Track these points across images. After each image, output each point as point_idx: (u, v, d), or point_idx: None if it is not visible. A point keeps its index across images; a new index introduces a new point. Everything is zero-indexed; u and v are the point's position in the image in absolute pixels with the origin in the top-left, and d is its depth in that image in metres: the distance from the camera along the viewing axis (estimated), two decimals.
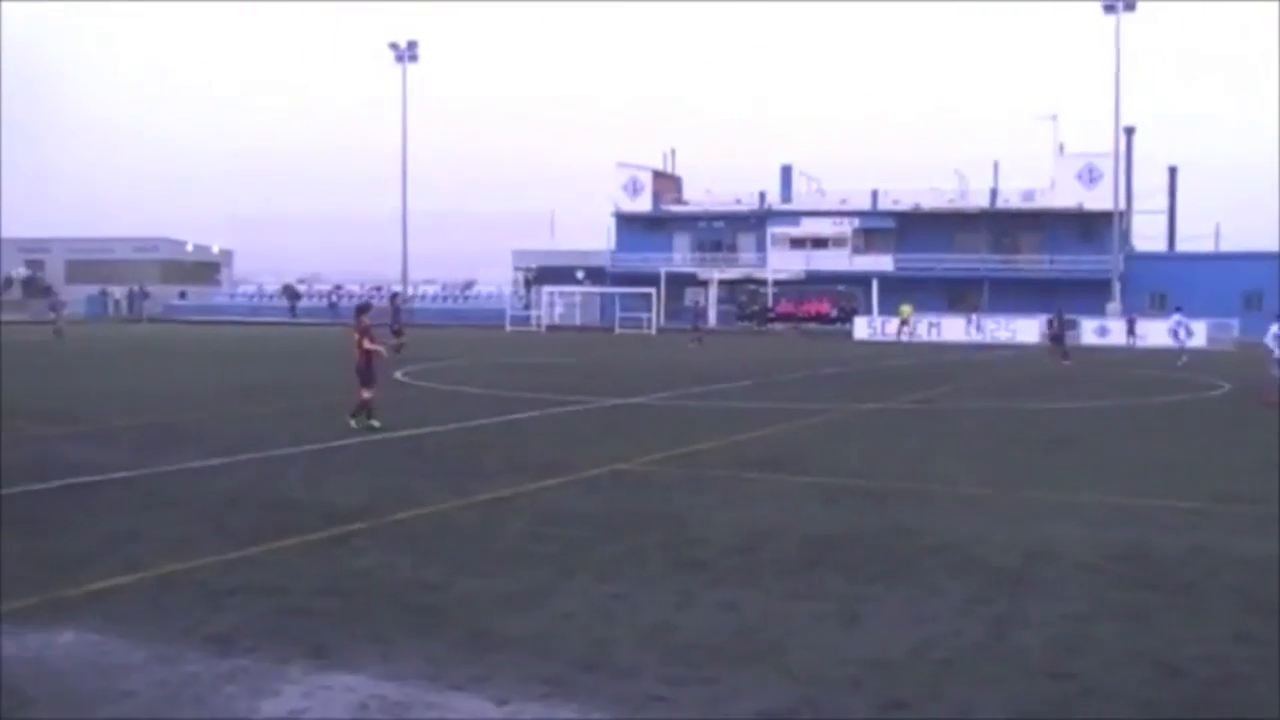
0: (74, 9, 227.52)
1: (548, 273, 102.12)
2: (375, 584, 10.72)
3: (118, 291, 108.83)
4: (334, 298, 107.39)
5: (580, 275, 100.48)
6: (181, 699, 7.65)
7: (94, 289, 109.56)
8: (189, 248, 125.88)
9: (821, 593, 10.54)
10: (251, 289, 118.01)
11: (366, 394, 22.34)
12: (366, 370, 22.52)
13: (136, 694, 7.73)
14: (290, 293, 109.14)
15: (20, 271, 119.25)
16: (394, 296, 48.92)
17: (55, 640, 8.87)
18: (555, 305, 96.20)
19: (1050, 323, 55.30)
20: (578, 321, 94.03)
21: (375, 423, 22.13)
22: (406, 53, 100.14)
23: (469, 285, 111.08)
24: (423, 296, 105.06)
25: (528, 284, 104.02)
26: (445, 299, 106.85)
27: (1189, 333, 51.65)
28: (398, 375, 36.12)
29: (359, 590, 10.46)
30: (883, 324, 77.11)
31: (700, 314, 69.22)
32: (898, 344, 46.25)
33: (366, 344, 22.76)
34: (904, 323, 72.77)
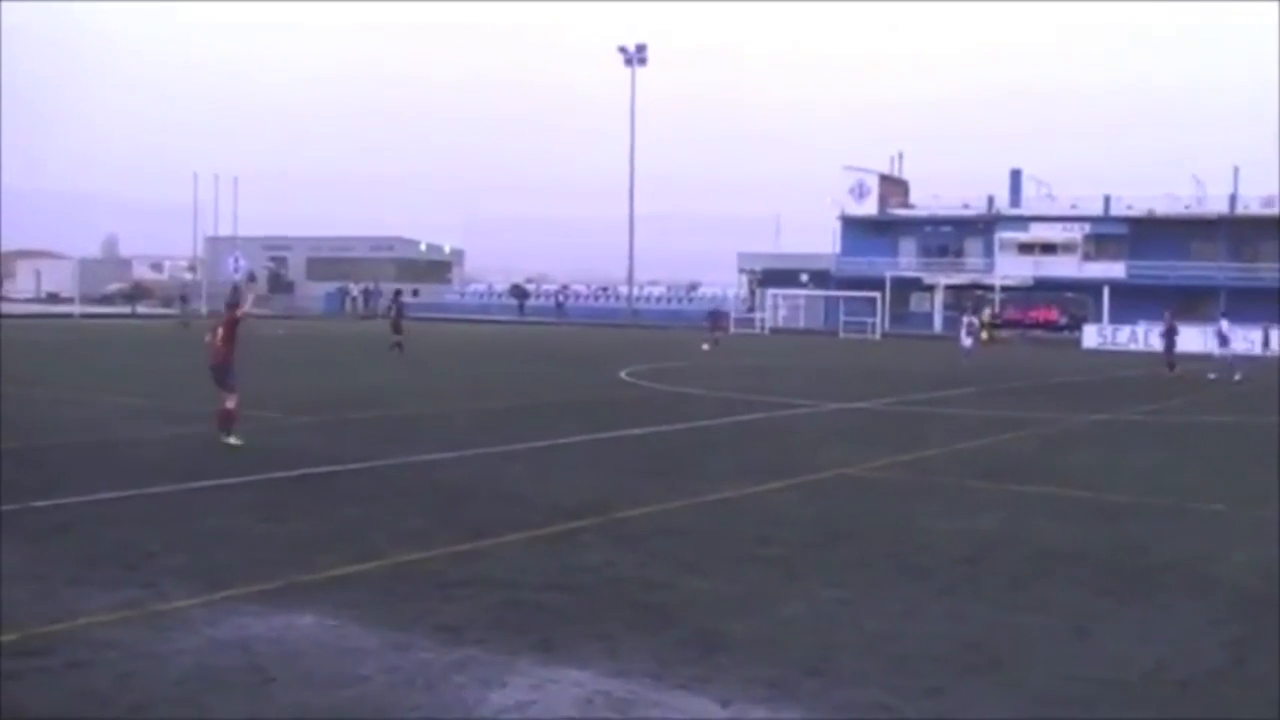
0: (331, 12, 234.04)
1: (772, 275, 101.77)
2: (601, 581, 10.80)
3: (354, 288, 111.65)
4: (561, 298, 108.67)
5: (805, 278, 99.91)
6: (414, 686, 7.80)
7: (332, 286, 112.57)
8: (422, 247, 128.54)
9: (1050, 606, 10.30)
10: (481, 288, 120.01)
11: (230, 403, 18.81)
12: (227, 368, 19.06)
13: (371, 679, 7.90)
14: (518, 292, 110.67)
15: (264, 267, 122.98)
16: (396, 294, 48.90)
17: (296, 622, 9.13)
18: (779, 308, 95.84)
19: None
20: (801, 324, 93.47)
21: (235, 440, 18.56)
22: (635, 56, 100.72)
23: (694, 287, 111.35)
24: (648, 298, 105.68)
25: (752, 286, 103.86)
26: (670, 300, 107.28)
27: (1225, 341, 45.04)
28: (622, 375, 36.41)
29: (586, 586, 10.55)
30: (1113, 333, 75.09)
31: (720, 315, 64.90)
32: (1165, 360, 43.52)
33: (240, 312, 19.68)
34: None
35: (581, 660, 8.35)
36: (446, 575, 10.79)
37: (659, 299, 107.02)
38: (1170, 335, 47.96)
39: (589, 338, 60.80)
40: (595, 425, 22.63)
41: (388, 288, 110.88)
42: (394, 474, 16.79)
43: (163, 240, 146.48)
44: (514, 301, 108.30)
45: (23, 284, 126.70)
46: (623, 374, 36.74)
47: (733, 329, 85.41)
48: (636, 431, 22.27)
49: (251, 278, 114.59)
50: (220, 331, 19.30)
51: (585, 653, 8.51)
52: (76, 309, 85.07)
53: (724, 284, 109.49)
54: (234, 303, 19.92)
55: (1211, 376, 41.32)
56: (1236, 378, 41.28)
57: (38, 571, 10.60)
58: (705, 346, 53.57)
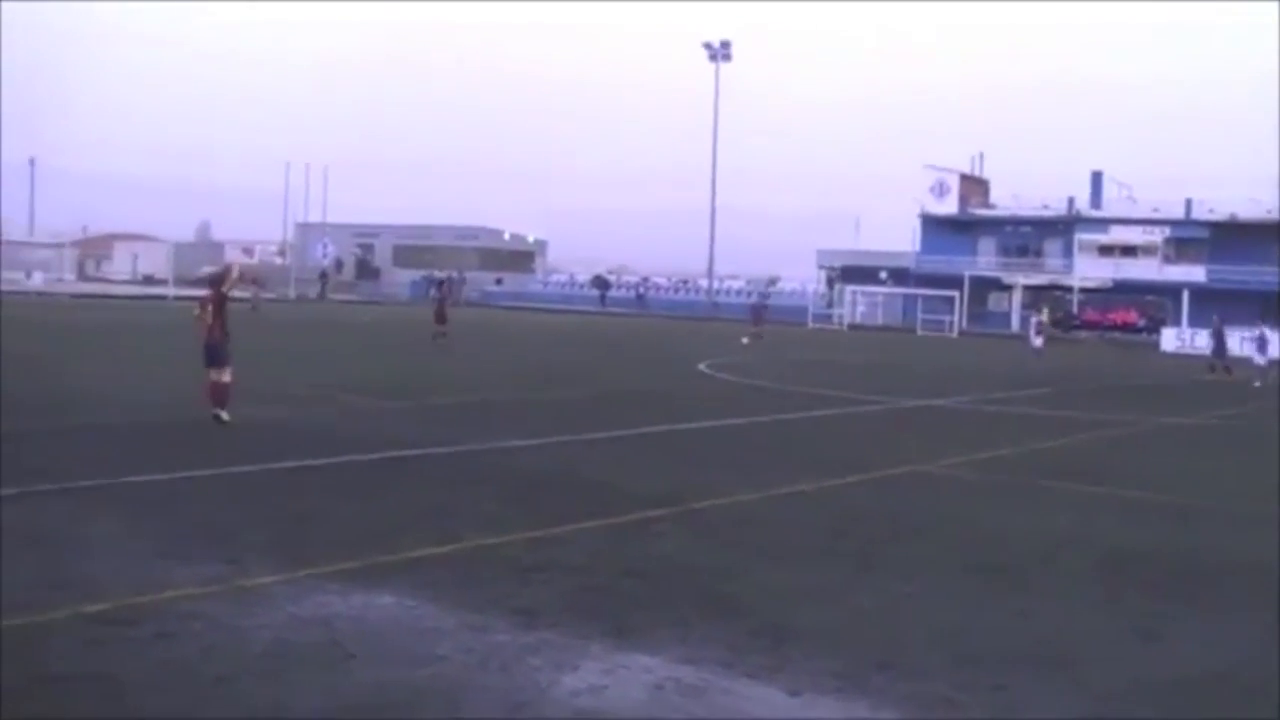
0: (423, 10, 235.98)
1: (851, 272, 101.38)
2: (675, 569, 10.82)
3: (439, 276, 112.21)
4: (641, 289, 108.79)
5: (884, 275, 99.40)
6: (489, 666, 7.86)
7: (418, 274, 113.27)
8: (506, 236, 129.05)
9: (1119, 607, 10.22)
10: (563, 278, 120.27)
11: (225, 377, 18.86)
12: (218, 346, 18.96)
13: (448, 658, 7.97)
14: (600, 283, 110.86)
15: (353, 253, 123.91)
16: (440, 284, 47.84)
17: (376, 601, 9.23)
18: (858, 304, 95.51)
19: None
20: (879, 321, 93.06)
21: (226, 416, 18.68)
22: (720, 52, 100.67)
23: (773, 281, 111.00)
24: (727, 291, 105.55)
25: (831, 282, 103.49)
26: (749, 294, 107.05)
27: (1263, 346, 43.64)
28: (701, 367, 36.42)
29: (659, 574, 10.58)
30: (1192, 336, 74.15)
31: (761, 308, 62.92)
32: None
33: (229, 289, 19.76)
34: None
35: (653, 646, 8.38)
36: (523, 560, 10.86)
37: (738, 292, 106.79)
38: (1220, 339, 47.58)
39: (668, 329, 60.87)
40: (672, 416, 22.65)
41: (473, 276, 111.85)
42: (474, 459, 16.90)
43: (255, 226, 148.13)
44: (595, 292, 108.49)
45: (120, 265, 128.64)
46: (701, 366, 36.75)
47: (811, 324, 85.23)
48: (712, 423, 22.28)
49: (339, 265, 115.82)
50: (209, 308, 19.21)
51: (657, 639, 8.54)
52: (170, 290, 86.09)
53: (803, 279, 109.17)
54: (217, 280, 19.82)
55: (1257, 384, 40.61)
56: (1256, 384, 40.63)
57: (128, 545, 10.79)
58: (745, 340, 52.35)
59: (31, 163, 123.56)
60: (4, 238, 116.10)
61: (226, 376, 18.80)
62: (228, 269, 20.10)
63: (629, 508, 13.41)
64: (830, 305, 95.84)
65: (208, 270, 29.12)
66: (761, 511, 13.94)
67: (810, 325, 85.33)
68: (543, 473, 15.90)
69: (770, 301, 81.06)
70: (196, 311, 19.58)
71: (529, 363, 37.18)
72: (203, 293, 19.64)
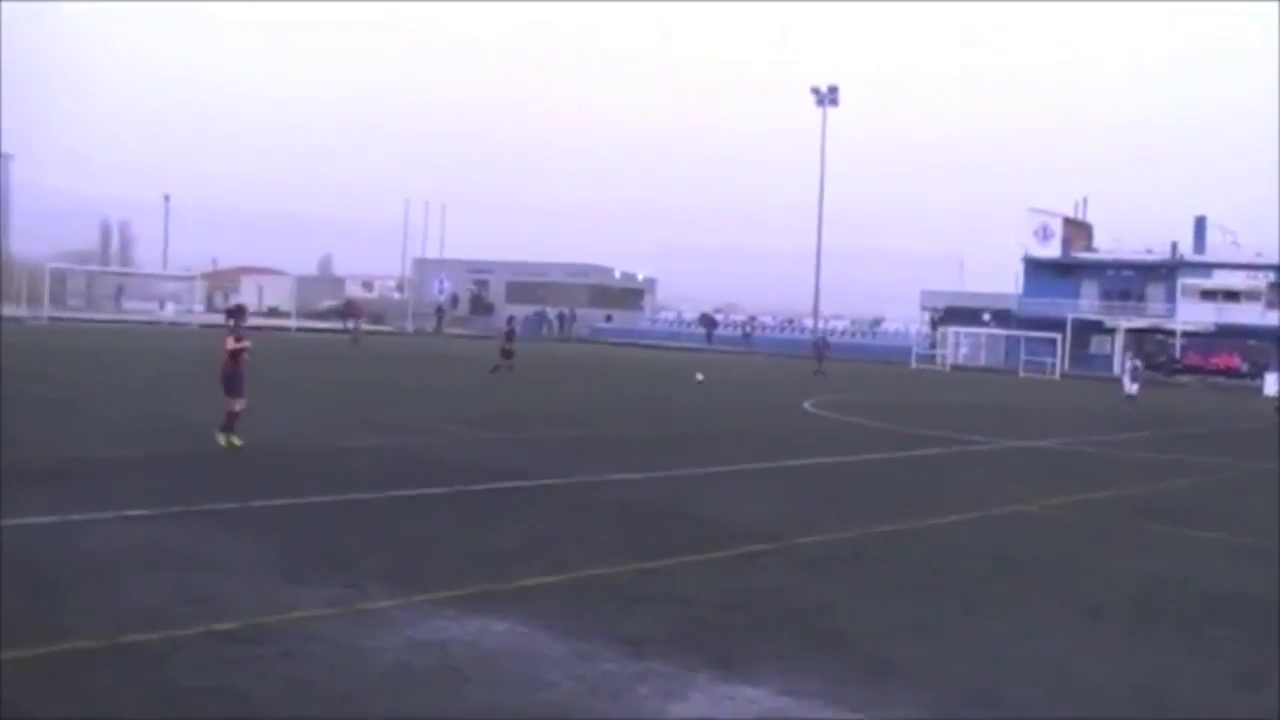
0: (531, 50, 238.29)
1: (954, 313, 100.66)
2: (778, 603, 10.83)
3: (551, 312, 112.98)
4: (748, 328, 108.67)
5: (986, 317, 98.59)
6: (598, 694, 7.93)
7: (530, 309, 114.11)
8: (616, 275, 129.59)
9: (1220, 651, 10.06)
10: (671, 315, 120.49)
11: (236, 406, 19.14)
12: (234, 378, 19.26)
13: (558, 685, 8.05)
14: (707, 320, 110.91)
15: (469, 289, 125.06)
16: (509, 320, 48.40)
17: (490, 627, 9.34)
18: (960, 345, 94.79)
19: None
20: (982, 362, 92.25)
21: (238, 440, 18.88)
22: (827, 97, 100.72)
23: (877, 322, 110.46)
24: (832, 331, 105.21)
25: (934, 323, 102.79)
26: (854, 334, 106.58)
27: None
28: (806, 405, 36.33)
29: (763, 608, 10.59)
30: None
31: (823, 344, 63.06)
32: None
33: (232, 344, 19.50)
34: None
35: (757, 678, 8.40)
36: (631, 590, 10.93)
37: (843, 332, 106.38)
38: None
39: (774, 368, 60.71)
40: (777, 453, 22.64)
41: (583, 313, 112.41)
42: (582, 491, 17.00)
43: (375, 260, 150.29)
44: (702, 330, 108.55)
45: (246, 297, 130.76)
46: (806, 405, 36.67)
47: (914, 364, 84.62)
48: (816, 461, 22.23)
49: (454, 300, 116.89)
50: (229, 349, 19.48)
51: (761, 671, 8.56)
52: (293, 323, 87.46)
53: (906, 319, 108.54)
54: (237, 332, 19.69)
55: None
56: None
57: (255, 567, 11.00)
58: (815, 374, 52.33)
59: (166, 199, 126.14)
60: (139, 271, 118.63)
61: (237, 406, 19.12)
62: (240, 319, 20.05)
63: (733, 542, 13.43)
64: (933, 346, 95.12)
65: (233, 302, 29.36)
66: (863, 548, 13.89)
67: (913, 365, 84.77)
68: (649, 506, 15.96)
69: (832, 339, 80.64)
70: (246, 343, 19.67)
71: (636, 398, 37.31)
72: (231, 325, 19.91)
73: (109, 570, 10.60)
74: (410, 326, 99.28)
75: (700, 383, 44.41)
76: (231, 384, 19.19)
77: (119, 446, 17.64)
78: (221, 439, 18.74)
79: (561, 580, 11.14)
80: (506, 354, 42.55)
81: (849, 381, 53.59)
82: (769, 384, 49.05)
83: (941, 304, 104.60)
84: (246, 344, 19.55)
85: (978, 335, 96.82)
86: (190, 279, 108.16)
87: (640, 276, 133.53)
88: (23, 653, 8.06)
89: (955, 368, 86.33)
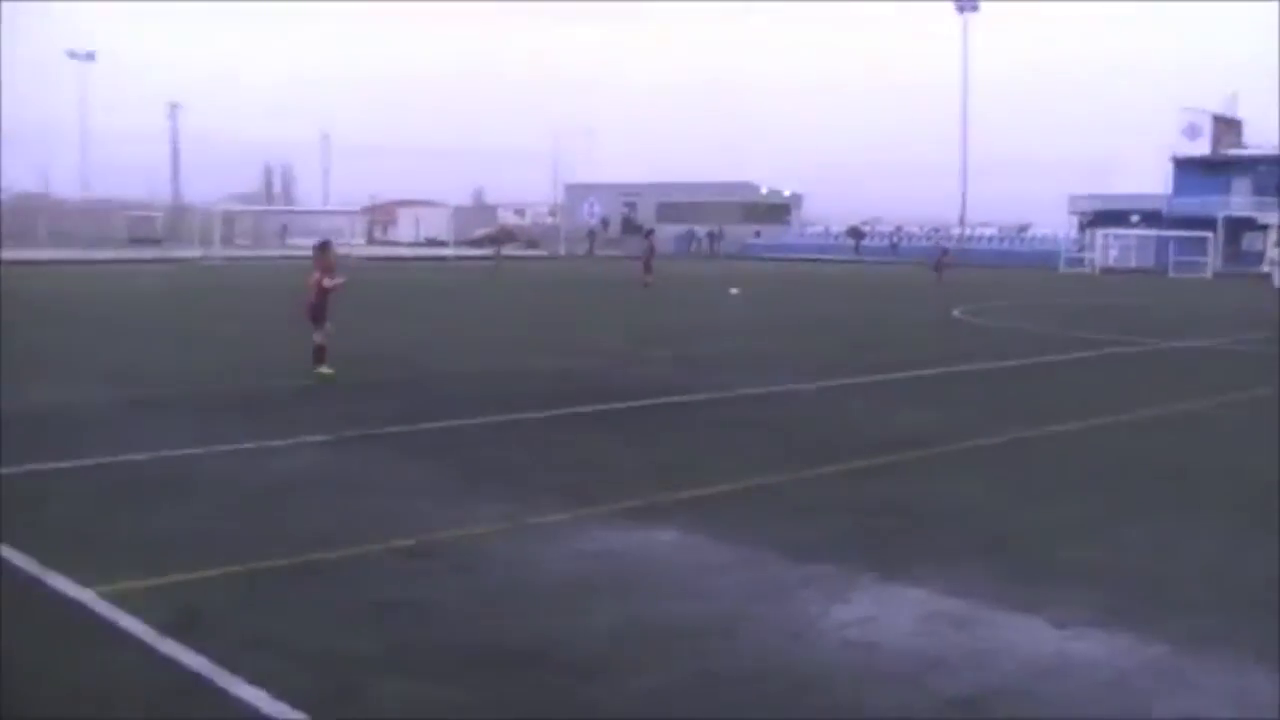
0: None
1: (1103, 216, 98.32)
2: (940, 507, 10.74)
3: (700, 231, 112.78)
4: (895, 239, 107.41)
5: (1135, 219, 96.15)
6: (763, 598, 7.95)
7: (680, 229, 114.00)
8: (763, 191, 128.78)
9: None
10: (819, 229, 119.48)
11: (319, 338, 18.34)
12: (320, 309, 18.47)
13: (725, 591, 8.09)
14: (854, 233, 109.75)
15: (620, 212, 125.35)
16: (649, 234, 47.82)
17: (656, 538, 9.42)
18: (1110, 248, 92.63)
19: None
20: (1132, 264, 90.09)
21: (327, 370, 18.12)
22: (967, 4, 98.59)
23: (1024, 228, 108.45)
24: (979, 239, 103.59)
25: (1082, 227, 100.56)
26: (1001, 241, 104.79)
27: None
28: (955, 313, 35.88)
29: (925, 512, 10.52)
30: None
31: (944, 251, 62.75)
32: None
33: (327, 281, 18.60)
34: None
35: (920, 580, 8.36)
36: (793, 498, 10.93)
37: (990, 239, 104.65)
38: None
39: (921, 277, 59.94)
40: (929, 361, 22.38)
41: (732, 229, 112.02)
42: (744, 404, 16.99)
43: (526, 188, 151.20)
44: (850, 242, 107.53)
45: (404, 230, 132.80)
46: (955, 312, 36.19)
47: (1063, 269, 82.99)
48: (969, 367, 21.95)
49: (605, 223, 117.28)
50: (316, 283, 18.59)
51: (924, 574, 8.51)
52: (450, 251, 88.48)
53: (1054, 224, 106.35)
54: (325, 261, 19.04)
55: None
56: None
57: (427, 486, 11.21)
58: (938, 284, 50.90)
59: (325, 137, 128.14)
60: (300, 207, 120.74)
61: (319, 338, 18.37)
62: (329, 252, 19.37)
63: (893, 448, 13.33)
64: (1082, 250, 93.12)
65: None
66: (1023, 452, 13.70)
67: (1062, 270, 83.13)
68: (810, 416, 15.92)
69: (952, 247, 78.81)
70: (340, 280, 18.98)
71: (790, 312, 37.15)
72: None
73: (292, 493, 10.90)
74: (563, 250, 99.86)
75: (735, 295, 42.48)
76: (317, 314, 18.44)
77: (296, 376, 18.02)
78: (322, 370, 18.07)
79: (727, 490, 11.16)
80: (647, 269, 43.15)
81: (999, 288, 52.75)
82: (918, 293, 48.39)
83: (1089, 208, 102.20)
84: (340, 280, 18.93)
85: (1127, 237, 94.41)
86: (350, 214, 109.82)
87: (786, 193, 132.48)
88: (224, 570, 8.34)
89: (1105, 270, 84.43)
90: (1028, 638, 7.36)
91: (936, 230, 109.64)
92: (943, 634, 7.35)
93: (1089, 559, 9.03)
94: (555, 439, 13.98)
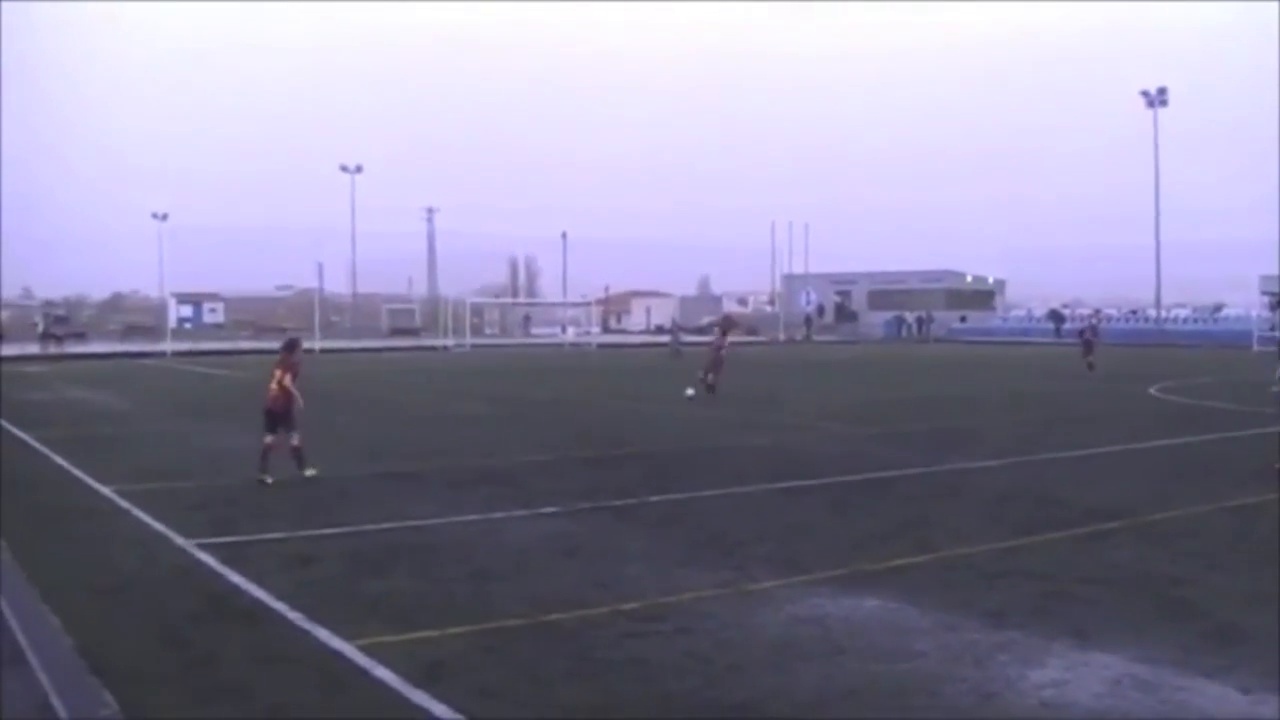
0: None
1: None
2: (1131, 576, 10.43)
3: (909, 317, 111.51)
4: (1093, 321, 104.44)
5: None
6: (963, 661, 7.85)
7: (890, 315, 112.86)
8: (968, 278, 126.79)
9: None
10: (1021, 313, 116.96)
11: (294, 440, 16.02)
12: (285, 413, 16.02)
13: (926, 654, 8.01)
14: (1055, 316, 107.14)
15: (832, 300, 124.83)
16: (725, 318, 45.93)
17: (862, 604, 9.35)
18: None
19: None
20: None
21: (311, 471, 16.01)
22: (1156, 98, 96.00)
23: (1218, 308, 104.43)
24: (1174, 319, 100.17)
25: (1272, 307, 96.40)
26: (1195, 321, 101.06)
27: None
28: (1151, 390, 34.71)
29: (1117, 580, 10.22)
30: None
31: (1092, 330, 55.87)
32: None
33: (287, 381, 16.03)
34: None
35: (1111, 646, 8.13)
36: (991, 567, 10.73)
37: (1185, 320, 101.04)
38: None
39: (1121, 357, 58.11)
40: (1126, 436, 21.71)
41: (939, 315, 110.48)
42: (944, 478, 16.73)
43: (747, 278, 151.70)
44: (1050, 325, 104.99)
45: (636, 318, 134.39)
46: (1152, 390, 35.01)
47: (1256, 347, 79.63)
48: (1165, 442, 21.20)
49: (821, 310, 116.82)
50: (278, 384, 16.19)
51: (1115, 640, 8.28)
52: (666, 338, 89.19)
53: (1247, 304, 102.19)
54: (289, 350, 16.67)
55: None
56: None
57: (653, 553, 11.33)
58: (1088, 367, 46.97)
59: (563, 236, 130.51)
60: (543, 300, 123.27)
61: (294, 440, 16.05)
62: (295, 340, 17.08)
63: (1088, 520, 12.99)
64: (1274, 328, 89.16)
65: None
66: (1213, 522, 13.20)
67: (1255, 349, 79.69)
68: (1008, 489, 15.58)
69: (1100, 325, 75.39)
70: (282, 379, 16.18)
71: (990, 391, 36.42)
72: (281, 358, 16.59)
73: (528, 559, 11.11)
74: (782, 336, 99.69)
75: (690, 397, 30.22)
76: (283, 419, 16.07)
77: (531, 452, 18.39)
78: (308, 471, 15.97)
79: (927, 560, 11.03)
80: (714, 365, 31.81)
81: (1196, 366, 50.81)
82: (1118, 371, 46.91)
83: (1277, 288, 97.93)
84: (296, 390, 16.12)
85: None
86: (587, 304, 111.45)
87: (991, 279, 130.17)
88: (466, 628, 8.57)
89: None
90: (1213, 703, 7.11)
91: (1134, 312, 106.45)
92: (1131, 698, 7.17)
93: (1272, 626, 8.60)
94: (770, 511, 13.95)
